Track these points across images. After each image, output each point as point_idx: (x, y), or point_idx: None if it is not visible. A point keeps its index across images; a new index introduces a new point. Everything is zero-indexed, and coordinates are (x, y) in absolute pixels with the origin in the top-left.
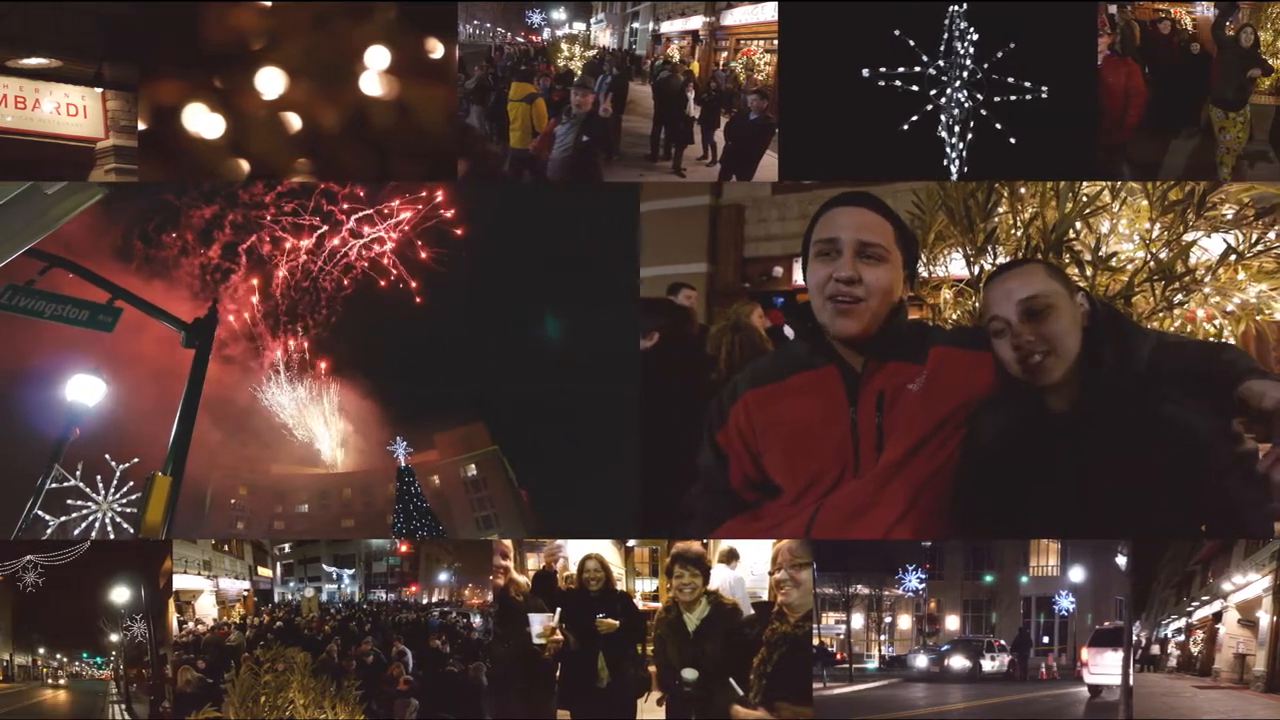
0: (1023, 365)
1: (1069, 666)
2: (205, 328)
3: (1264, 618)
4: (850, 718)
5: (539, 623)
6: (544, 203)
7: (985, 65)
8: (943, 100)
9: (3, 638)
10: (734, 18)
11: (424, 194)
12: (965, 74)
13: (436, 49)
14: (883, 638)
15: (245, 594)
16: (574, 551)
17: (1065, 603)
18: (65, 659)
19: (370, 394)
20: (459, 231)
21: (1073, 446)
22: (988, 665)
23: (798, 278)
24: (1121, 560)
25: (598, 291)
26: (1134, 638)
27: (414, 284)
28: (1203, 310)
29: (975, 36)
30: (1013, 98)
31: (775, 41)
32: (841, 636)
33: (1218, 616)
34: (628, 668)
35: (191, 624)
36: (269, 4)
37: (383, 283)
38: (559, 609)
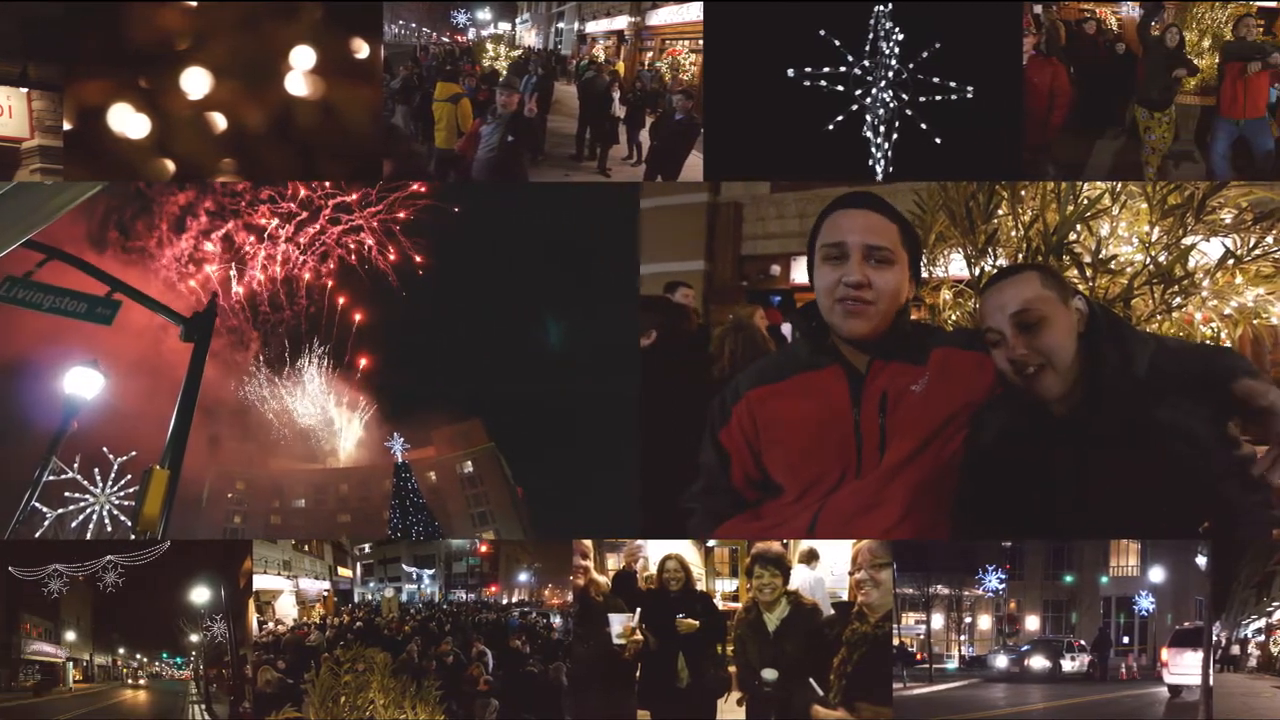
0: (1019, 377)
1: (1149, 667)
2: (204, 321)
3: None
4: (930, 718)
5: (619, 623)
6: (543, 201)
7: (910, 65)
8: (868, 100)
9: (83, 638)
10: (659, 18)
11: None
12: (890, 74)
13: (362, 49)
14: (962, 638)
15: (325, 594)
16: (654, 551)
17: (1145, 603)
18: (145, 659)
19: (368, 389)
20: (419, 259)
21: (1073, 450)
22: (1067, 665)
23: (795, 276)
24: (1201, 560)
25: (596, 290)
26: (1214, 638)
27: (393, 279)
28: (1201, 314)
29: (900, 36)
30: (938, 98)
31: (700, 41)
32: (921, 637)
33: None
34: (708, 668)
35: (271, 624)
36: (194, 4)
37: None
38: (639, 609)
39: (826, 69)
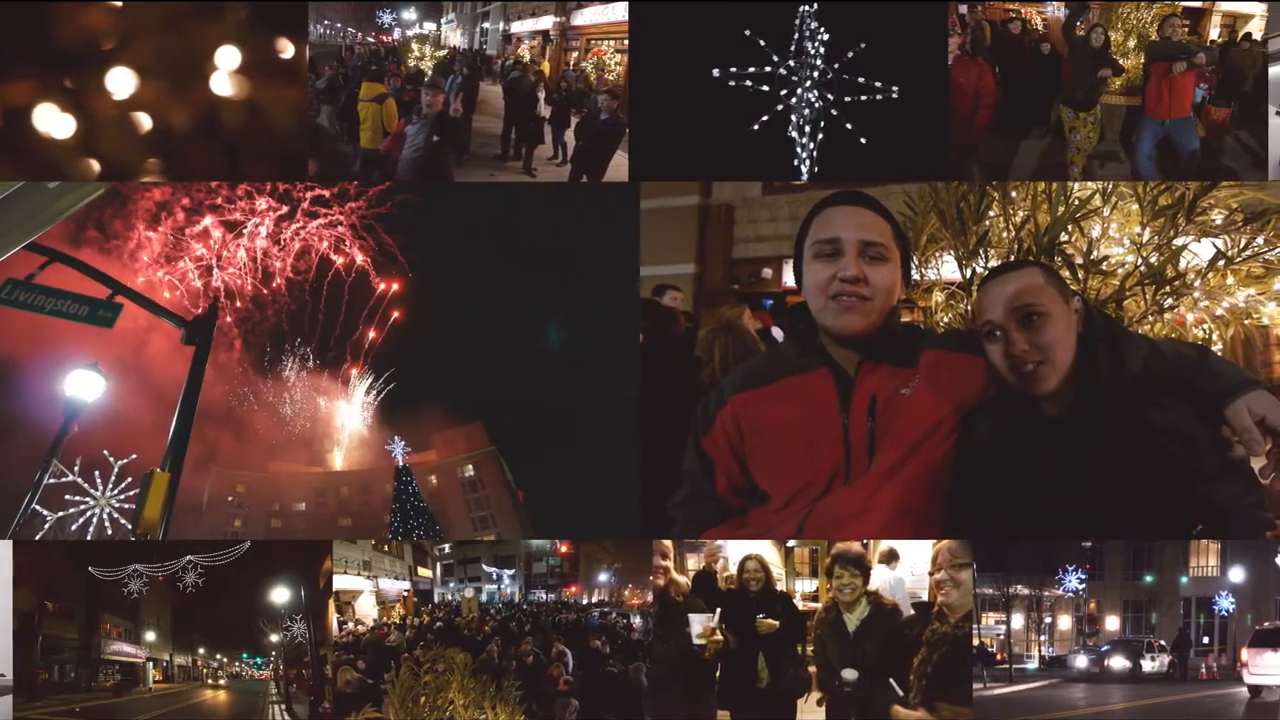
0: (1015, 373)
1: (1229, 667)
2: (204, 325)
3: None
4: (1009, 718)
5: (699, 623)
6: (541, 201)
7: (836, 65)
8: (793, 100)
9: (163, 638)
10: (584, 18)
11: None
12: (816, 74)
13: (287, 49)
14: (1043, 638)
15: (405, 594)
16: (734, 552)
17: (1225, 603)
18: (225, 659)
19: (368, 392)
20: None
21: (1066, 451)
22: (1148, 666)
23: (787, 279)
24: None
25: (595, 291)
26: None
27: (374, 276)
28: (1192, 314)
29: (826, 36)
30: (863, 98)
31: (626, 41)
32: (1001, 637)
33: None
34: (788, 668)
35: (351, 624)
36: (120, 4)
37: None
38: (719, 609)
39: (752, 69)
